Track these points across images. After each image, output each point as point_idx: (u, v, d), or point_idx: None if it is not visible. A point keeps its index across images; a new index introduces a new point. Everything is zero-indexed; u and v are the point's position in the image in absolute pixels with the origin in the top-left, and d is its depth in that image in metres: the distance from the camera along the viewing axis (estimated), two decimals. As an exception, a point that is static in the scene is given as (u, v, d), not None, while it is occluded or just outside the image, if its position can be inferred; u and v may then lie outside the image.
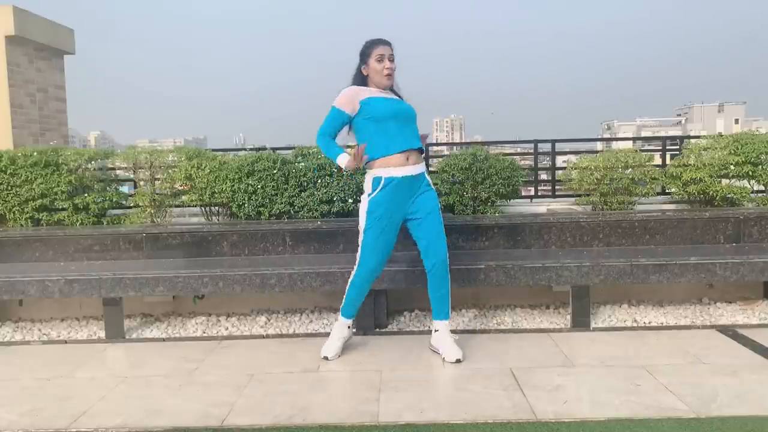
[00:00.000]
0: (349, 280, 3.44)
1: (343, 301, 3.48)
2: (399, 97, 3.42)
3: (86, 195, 5.15)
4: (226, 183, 4.91)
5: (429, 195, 3.37)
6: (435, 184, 5.38)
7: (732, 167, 5.18)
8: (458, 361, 3.27)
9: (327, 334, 3.92)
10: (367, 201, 3.28)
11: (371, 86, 3.34)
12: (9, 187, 5.09)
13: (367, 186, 3.31)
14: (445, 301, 3.41)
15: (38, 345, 3.99)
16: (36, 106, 7.35)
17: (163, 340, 4.04)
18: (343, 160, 3.21)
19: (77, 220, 5.12)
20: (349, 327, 3.53)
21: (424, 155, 3.48)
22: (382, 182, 3.24)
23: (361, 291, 3.44)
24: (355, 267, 3.39)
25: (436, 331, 3.45)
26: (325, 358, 3.40)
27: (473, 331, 3.96)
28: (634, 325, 4.08)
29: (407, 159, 3.26)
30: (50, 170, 5.10)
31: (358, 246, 3.37)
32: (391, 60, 3.30)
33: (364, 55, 3.32)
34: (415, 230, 3.38)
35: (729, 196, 5.10)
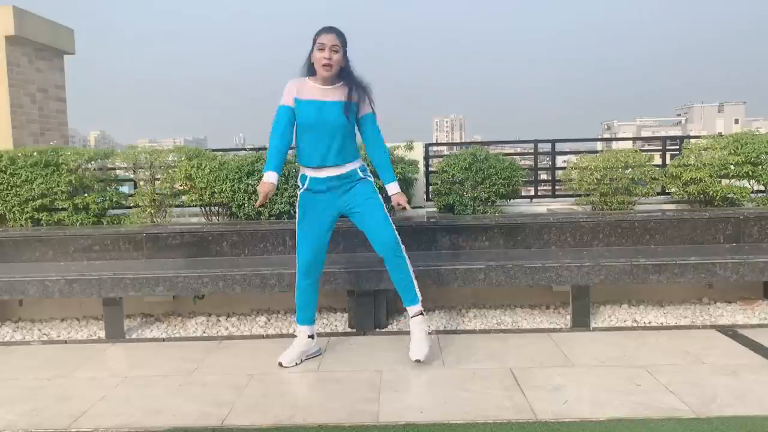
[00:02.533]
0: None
1: (296, 299, 3.41)
2: (362, 88, 3.23)
3: (86, 195, 5.15)
4: (226, 183, 4.91)
5: (362, 185, 3.29)
6: (435, 184, 5.40)
7: (732, 167, 5.18)
8: (418, 361, 3.23)
9: (327, 334, 3.94)
10: (299, 197, 3.33)
11: (317, 77, 3.21)
12: (9, 187, 5.10)
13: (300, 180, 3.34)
14: (409, 286, 3.30)
15: (38, 345, 3.99)
16: (36, 106, 7.36)
17: (163, 340, 4.04)
18: (267, 180, 3.12)
19: (77, 220, 5.12)
20: (310, 337, 3.41)
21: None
22: (307, 180, 3.26)
23: (303, 291, 3.35)
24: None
25: (412, 317, 3.36)
26: (279, 363, 3.31)
27: (473, 331, 3.96)
28: (634, 325, 4.08)
29: (321, 169, 3.22)
30: (50, 170, 5.10)
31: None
32: (335, 51, 3.12)
33: (313, 41, 3.17)
34: (358, 223, 3.33)
35: (729, 196, 5.11)
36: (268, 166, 3.15)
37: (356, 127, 3.32)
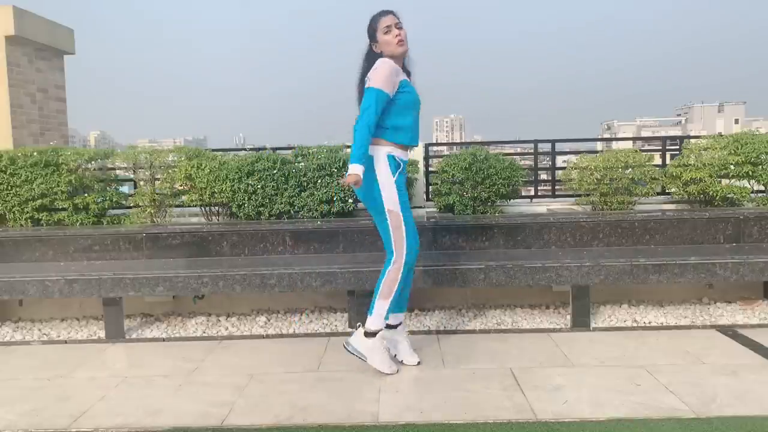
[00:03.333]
0: (397, 275, 3.10)
1: (389, 303, 3.13)
2: (409, 72, 3.25)
3: (86, 195, 5.15)
4: (226, 183, 4.91)
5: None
6: (435, 184, 5.41)
7: (732, 167, 5.18)
8: (419, 363, 3.28)
9: (327, 334, 3.93)
10: (393, 181, 3.05)
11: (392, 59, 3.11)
12: (9, 187, 5.09)
13: (383, 162, 3.05)
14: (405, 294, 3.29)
15: (38, 345, 4.00)
16: (36, 106, 7.36)
17: (163, 340, 4.04)
18: (356, 171, 2.88)
19: (77, 220, 5.12)
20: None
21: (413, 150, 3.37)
22: (400, 167, 3.09)
23: (406, 280, 3.19)
24: (398, 257, 3.08)
25: (391, 327, 3.26)
26: (383, 373, 3.16)
27: (473, 331, 3.96)
28: (634, 325, 4.08)
29: (410, 150, 3.22)
30: (50, 170, 5.10)
31: (392, 232, 3.06)
32: (399, 27, 3.08)
33: (371, 31, 3.12)
34: None
35: (729, 196, 5.10)
36: (358, 158, 2.90)
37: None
